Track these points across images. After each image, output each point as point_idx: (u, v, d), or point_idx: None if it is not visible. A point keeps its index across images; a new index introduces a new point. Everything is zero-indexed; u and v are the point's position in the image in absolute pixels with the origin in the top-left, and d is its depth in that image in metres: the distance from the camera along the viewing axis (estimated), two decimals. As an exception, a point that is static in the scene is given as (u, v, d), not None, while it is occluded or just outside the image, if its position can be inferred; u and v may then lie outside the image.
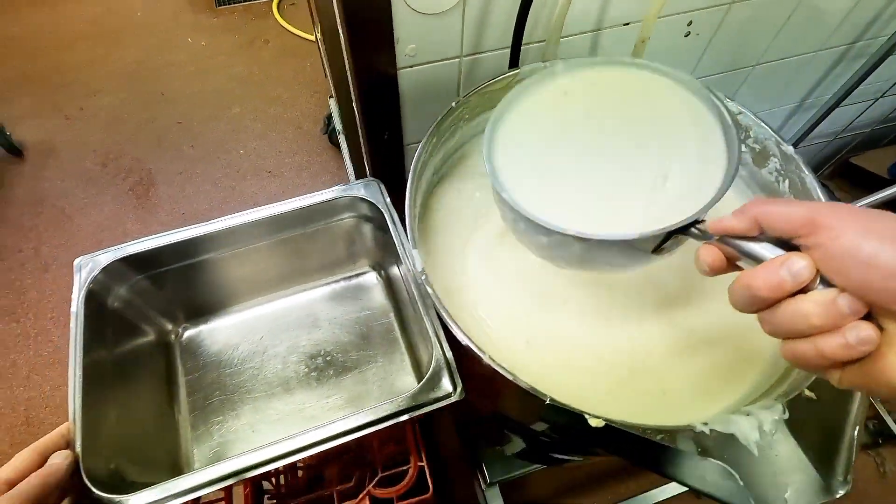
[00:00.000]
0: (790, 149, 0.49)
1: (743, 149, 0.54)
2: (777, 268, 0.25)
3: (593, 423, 0.34)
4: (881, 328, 0.24)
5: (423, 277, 0.43)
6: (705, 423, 0.36)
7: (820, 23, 0.83)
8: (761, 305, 0.26)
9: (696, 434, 0.36)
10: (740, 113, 0.53)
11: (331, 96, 1.55)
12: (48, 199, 1.50)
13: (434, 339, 0.43)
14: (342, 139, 1.43)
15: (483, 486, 0.86)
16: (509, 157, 0.40)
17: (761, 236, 0.27)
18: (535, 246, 0.39)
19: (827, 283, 0.24)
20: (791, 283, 0.24)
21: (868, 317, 0.24)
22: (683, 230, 0.32)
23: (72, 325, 0.42)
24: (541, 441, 0.53)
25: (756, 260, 0.27)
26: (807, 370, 0.26)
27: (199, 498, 0.51)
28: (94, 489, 0.36)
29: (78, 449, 0.37)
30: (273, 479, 0.58)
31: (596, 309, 0.50)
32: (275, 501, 0.56)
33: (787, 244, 0.26)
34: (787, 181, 0.50)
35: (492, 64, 0.67)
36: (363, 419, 0.39)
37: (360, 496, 0.50)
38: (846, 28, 0.86)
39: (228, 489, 0.51)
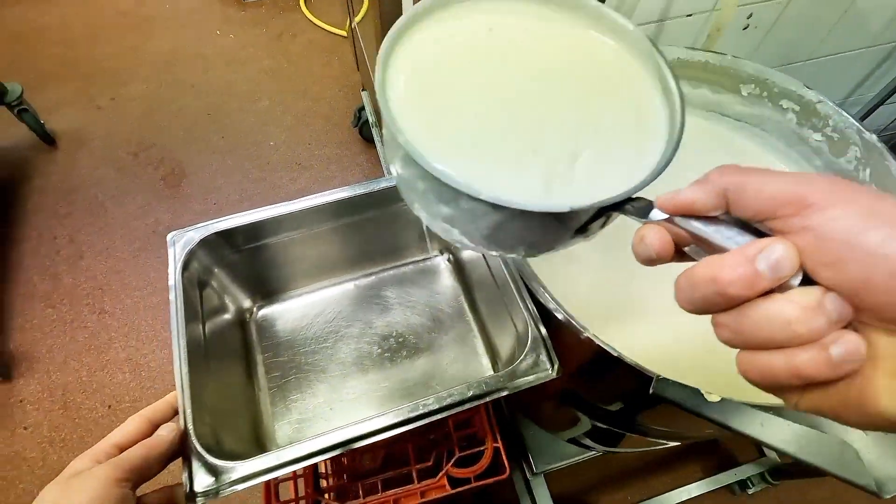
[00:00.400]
0: (873, 137, 0.50)
1: (819, 137, 0.55)
2: (752, 257, 0.19)
3: (710, 398, 0.34)
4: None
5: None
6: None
7: (871, 20, 0.83)
8: (725, 305, 0.19)
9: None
10: (820, 101, 0.53)
11: (363, 89, 1.55)
12: (81, 187, 1.51)
13: (527, 316, 0.43)
14: (376, 132, 1.44)
15: (529, 475, 0.86)
16: (411, 96, 0.30)
17: (723, 216, 0.21)
18: (431, 213, 0.29)
19: (806, 278, 0.19)
20: (769, 278, 0.18)
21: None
22: (619, 206, 0.25)
23: (171, 297, 0.43)
24: (614, 421, 0.54)
25: (717, 249, 0.21)
26: (766, 390, 0.20)
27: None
28: (208, 456, 0.36)
29: (189, 416, 0.38)
30: (343, 460, 0.58)
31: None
32: (337, 481, 0.57)
33: (754, 229, 0.21)
34: (867, 169, 0.51)
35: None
36: (460, 395, 0.39)
37: (439, 476, 0.50)
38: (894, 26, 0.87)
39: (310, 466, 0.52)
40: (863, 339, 0.18)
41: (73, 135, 1.62)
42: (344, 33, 1.91)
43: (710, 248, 0.21)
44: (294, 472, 0.52)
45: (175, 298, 0.43)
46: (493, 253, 0.31)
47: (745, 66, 0.56)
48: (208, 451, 0.37)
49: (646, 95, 0.31)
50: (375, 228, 0.57)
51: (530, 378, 0.41)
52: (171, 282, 0.44)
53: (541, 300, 0.42)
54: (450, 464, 0.50)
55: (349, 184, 0.51)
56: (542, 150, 0.29)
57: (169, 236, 0.47)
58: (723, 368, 0.41)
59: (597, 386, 0.47)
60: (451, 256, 0.61)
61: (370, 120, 1.45)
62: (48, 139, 1.58)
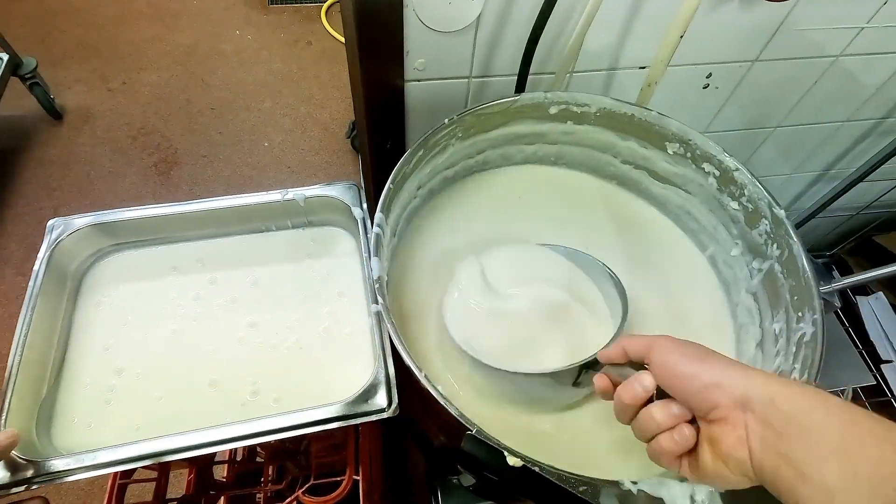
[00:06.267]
0: (782, 213, 0.48)
1: (735, 206, 0.53)
2: (633, 382, 0.34)
3: (511, 461, 0.32)
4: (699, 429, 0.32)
5: (377, 287, 0.42)
6: (634, 482, 0.34)
7: (851, 92, 0.81)
8: (630, 414, 0.34)
9: (622, 491, 0.34)
10: (737, 169, 0.51)
11: (359, 103, 1.57)
12: (77, 163, 1.55)
13: (379, 351, 0.42)
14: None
15: (436, 513, 0.83)
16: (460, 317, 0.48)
17: (628, 364, 0.37)
18: (485, 383, 0.47)
19: (662, 391, 0.33)
20: (642, 392, 0.33)
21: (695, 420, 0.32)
22: (590, 366, 0.42)
23: (30, 283, 0.43)
24: (489, 478, 0.51)
25: (623, 378, 0.36)
26: (661, 464, 0.33)
27: (131, 473, 0.50)
28: (17, 455, 0.36)
29: (6, 408, 0.38)
30: (225, 468, 0.57)
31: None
32: (213, 491, 0.55)
33: (641, 366, 0.36)
34: (775, 245, 0.49)
35: (501, 88, 0.67)
36: (291, 420, 0.38)
37: (288, 500, 0.48)
38: (878, 101, 0.84)
39: (161, 469, 0.51)
40: (692, 427, 0.32)
41: (80, 112, 1.68)
42: (357, 46, 1.95)
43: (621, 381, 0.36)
44: (162, 470, 0.51)
45: (33, 285, 0.43)
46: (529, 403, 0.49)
47: (669, 125, 0.54)
48: (25, 447, 0.37)
49: (600, 306, 0.51)
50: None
51: (363, 413, 0.39)
52: (35, 267, 0.44)
53: (393, 339, 0.41)
54: (302, 489, 0.49)
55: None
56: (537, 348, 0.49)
57: (49, 223, 0.47)
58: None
59: (449, 436, 0.45)
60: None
61: (359, 133, 1.46)
62: (55, 114, 1.63)
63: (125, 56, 1.85)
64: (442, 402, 0.36)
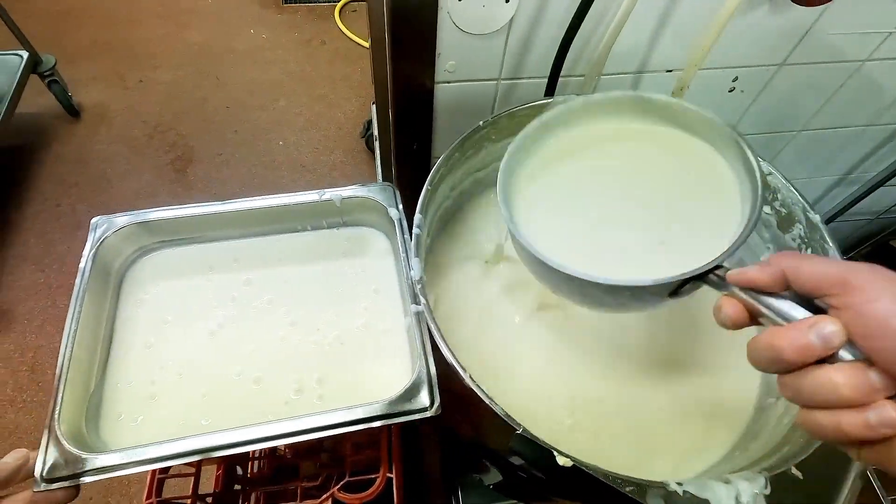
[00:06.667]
0: (816, 217, 0.48)
1: (768, 210, 0.53)
2: (806, 330, 0.23)
3: (561, 461, 0.33)
4: None
5: (420, 287, 0.43)
6: (680, 483, 0.34)
7: (874, 97, 0.81)
8: (784, 368, 0.24)
9: (667, 492, 0.34)
10: (770, 174, 0.51)
11: (373, 102, 1.58)
12: (94, 160, 1.56)
13: (420, 350, 0.42)
14: (377, 145, 1.46)
15: (456, 512, 0.84)
16: (527, 201, 0.42)
17: (785, 293, 0.26)
18: (551, 286, 0.41)
19: (854, 349, 0.23)
20: (820, 348, 0.23)
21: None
22: (701, 277, 0.31)
23: (77, 280, 0.44)
24: (518, 476, 0.52)
25: (780, 318, 0.26)
26: (825, 441, 0.25)
27: (168, 469, 0.51)
28: (65, 441, 0.36)
29: (59, 400, 0.38)
30: (250, 464, 0.58)
31: (593, 354, 0.50)
32: (239, 486, 0.56)
33: (812, 304, 0.25)
34: (809, 250, 0.49)
35: (529, 91, 0.68)
36: (337, 418, 0.39)
37: (323, 497, 0.49)
38: (901, 107, 0.84)
39: (198, 465, 0.52)
40: None
41: (97, 109, 1.69)
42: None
43: (776, 318, 0.26)
44: (195, 467, 0.52)
45: (80, 282, 0.44)
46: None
47: (702, 129, 0.55)
48: (71, 437, 0.37)
49: (727, 186, 0.39)
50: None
51: (405, 413, 0.40)
52: (81, 264, 0.45)
53: (435, 339, 0.42)
54: (337, 486, 0.49)
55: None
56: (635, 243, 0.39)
57: (93, 220, 0.48)
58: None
59: (486, 435, 0.46)
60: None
61: (375, 134, 1.47)
62: (73, 111, 1.65)
63: (140, 54, 1.86)
64: (487, 402, 0.37)
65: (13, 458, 0.36)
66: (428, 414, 0.40)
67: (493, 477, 0.60)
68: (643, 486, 0.34)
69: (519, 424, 0.36)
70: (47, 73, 1.54)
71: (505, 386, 0.48)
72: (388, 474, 0.51)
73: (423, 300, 0.42)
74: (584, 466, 0.32)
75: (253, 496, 0.57)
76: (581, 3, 0.54)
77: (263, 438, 0.37)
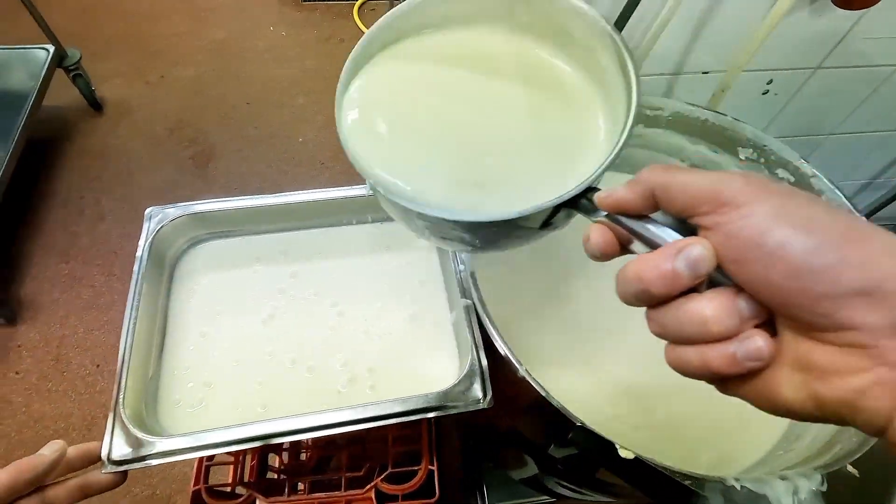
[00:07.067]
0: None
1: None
2: (672, 256, 0.20)
3: (623, 454, 0.33)
4: (776, 333, 0.20)
5: (472, 281, 0.44)
6: (737, 479, 0.35)
7: (901, 104, 0.81)
8: (652, 301, 0.21)
9: (725, 487, 0.35)
10: (814, 176, 0.52)
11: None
12: (116, 154, 1.58)
13: (471, 343, 0.43)
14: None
15: (481, 508, 0.84)
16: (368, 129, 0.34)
17: (658, 215, 0.23)
18: (409, 225, 0.35)
19: (723, 273, 0.20)
20: (687, 276, 0.20)
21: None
22: (573, 204, 0.27)
23: (135, 268, 0.45)
24: (556, 470, 0.53)
25: (650, 244, 0.23)
26: (692, 377, 0.22)
27: (212, 457, 0.52)
28: (130, 426, 0.37)
29: (123, 385, 0.39)
30: (281, 455, 0.58)
31: (638, 345, 0.50)
32: (277, 476, 0.57)
33: (688, 226, 0.22)
34: (853, 252, 0.49)
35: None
36: (391, 409, 0.39)
37: (367, 487, 0.50)
38: (931, 112, 0.84)
39: (241, 454, 0.53)
40: (770, 338, 0.20)
41: (119, 105, 1.71)
42: (389, 45, 1.96)
43: (646, 245, 0.23)
44: (237, 457, 0.53)
45: (138, 270, 0.45)
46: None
47: (744, 130, 0.55)
48: (135, 422, 0.38)
49: (590, 103, 0.34)
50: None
51: (460, 404, 0.40)
52: (138, 253, 0.46)
53: (487, 330, 0.42)
54: (380, 478, 0.50)
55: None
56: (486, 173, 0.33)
57: (147, 210, 0.49)
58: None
59: (532, 427, 0.47)
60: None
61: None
62: (96, 105, 1.66)
63: (161, 50, 1.88)
64: (543, 394, 0.37)
65: (50, 450, 0.35)
66: (481, 406, 0.40)
67: (528, 470, 0.61)
68: (701, 481, 0.34)
69: (577, 418, 0.36)
70: (72, 67, 1.55)
71: (544, 374, 0.48)
72: (430, 467, 0.51)
73: (475, 294, 0.42)
74: (647, 461, 0.33)
75: (293, 483, 0.58)
76: (626, 4, 0.55)
77: (324, 426, 0.38)
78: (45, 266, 1.34)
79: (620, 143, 0.28)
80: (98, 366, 1.20)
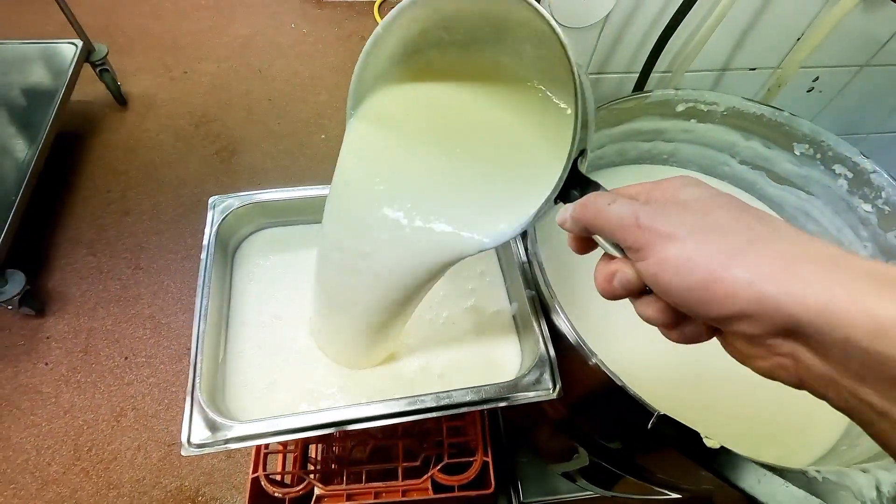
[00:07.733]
0: (925, 216, 0.48)
1: (868, 208, 0.53)
2: (610, 277, 0.26)
3: (709, 443, 0.33)
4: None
5: (539, 272, 0.44)
6: (818, 471, 0.35)
7: (945, 103, 0.81)
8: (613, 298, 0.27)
9: (807, 479, 0.34)
10: (874, 171, 0.51)
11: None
12: (142, 149, 1.59)
13: (538, 333, 0.43)
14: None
15: (515, 502, 0.84)
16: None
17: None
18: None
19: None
20: (622, 292, 0.26)
21: None
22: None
23: (203, 255, 0.45)
24: (613, 459, 0.52)
25: (607, 251, 0.27)
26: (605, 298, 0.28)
27: (267, 445, 0.52)
28: (209, 410, 0.37)
29: (199, 371, 0.39)
30: (331, 446, 0.59)
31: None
32: (334, 466, 0.57)
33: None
34: (915, 249, 0.49)
35: (611, 86, 0.68)
36: (464, 397, 0.39)
37: (425, 477, 0.50)
38: (973, 113, 0.83)
39: (302, 442, 0.53)
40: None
41: (144, 99, 1.72)
42: (410, 43, 1.97)
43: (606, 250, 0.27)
44: (285, 446, 0.53)
45: (206, 257, 0.45)
46: None
47: (801, 125, 0.55)
48: (212, 406, 0.39)
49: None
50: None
51: (530, 394, 0.40)
52: (205, 241, 0.46)
53: (554, 321, 0.42)
54: (437, 468, 0.50)
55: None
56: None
57: (210, 199, 0.49)
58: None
59: (598, 417, 0.47)
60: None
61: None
62: (121, 100, 1.68)
63: (185, 46, 1.89)
64: (620, 384, 0.37)
65: None
66: (552, 396, 0.41)
67: (577, 462, 0.61)
68: (783, 472, 0.34)
69: (654, 408, 0.36)
70: (99, 62, 1.57)
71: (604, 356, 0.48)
72: (485, 458, 0.52)
73: (543, 283, 0.42)
74: (735, 451, 0.33)
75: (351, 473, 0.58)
76: (680, 6, 0.55)
77: (399, 413, 0.38)
78: (73, 258, 1.35)
79: (566, 168, 0.30)
80: (126, 358, 1.21)
